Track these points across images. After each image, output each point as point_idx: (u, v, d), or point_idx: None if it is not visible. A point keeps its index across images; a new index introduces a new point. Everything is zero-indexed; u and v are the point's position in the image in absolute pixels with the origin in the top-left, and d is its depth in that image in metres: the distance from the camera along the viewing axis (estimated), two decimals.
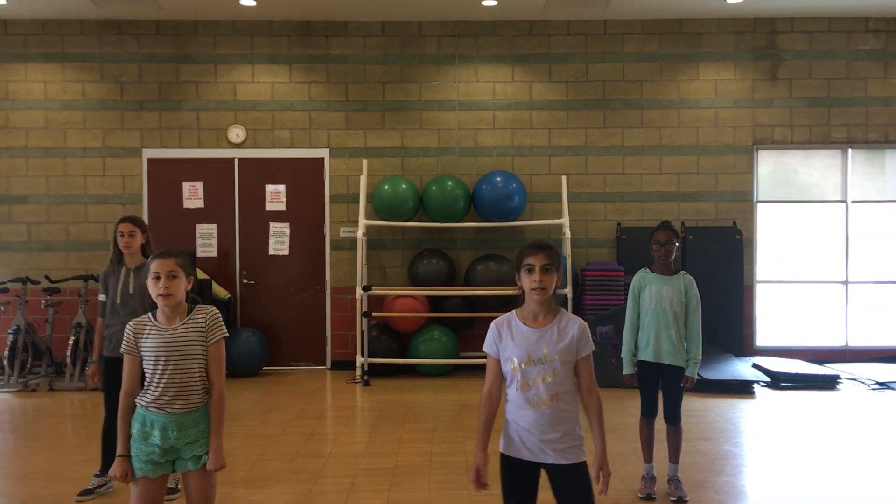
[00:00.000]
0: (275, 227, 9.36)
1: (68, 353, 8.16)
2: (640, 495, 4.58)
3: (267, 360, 9.01)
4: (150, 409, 2.91)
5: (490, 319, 9.53)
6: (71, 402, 7.67)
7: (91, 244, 9.24)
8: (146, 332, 2.95)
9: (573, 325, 2.77)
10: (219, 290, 9.02)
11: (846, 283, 9.62)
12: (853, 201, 9.58)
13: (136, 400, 2.94)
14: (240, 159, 9.34)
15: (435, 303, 8.90)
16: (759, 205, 9.52)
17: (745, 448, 5.82)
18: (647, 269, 4.72)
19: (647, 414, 4.74)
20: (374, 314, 8.59)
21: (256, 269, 9.36)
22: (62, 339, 8.38)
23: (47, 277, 8.56)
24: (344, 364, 9.10)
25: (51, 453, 5.72)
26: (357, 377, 8.48)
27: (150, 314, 3.01)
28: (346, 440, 6.22)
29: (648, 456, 4.72)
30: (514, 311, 2.86)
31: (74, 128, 9.28)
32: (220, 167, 9.33)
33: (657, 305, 4.57)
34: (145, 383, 2.93)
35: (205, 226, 9.32)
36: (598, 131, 9.41)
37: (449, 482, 4.95)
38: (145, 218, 9.23)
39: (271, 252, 9.36)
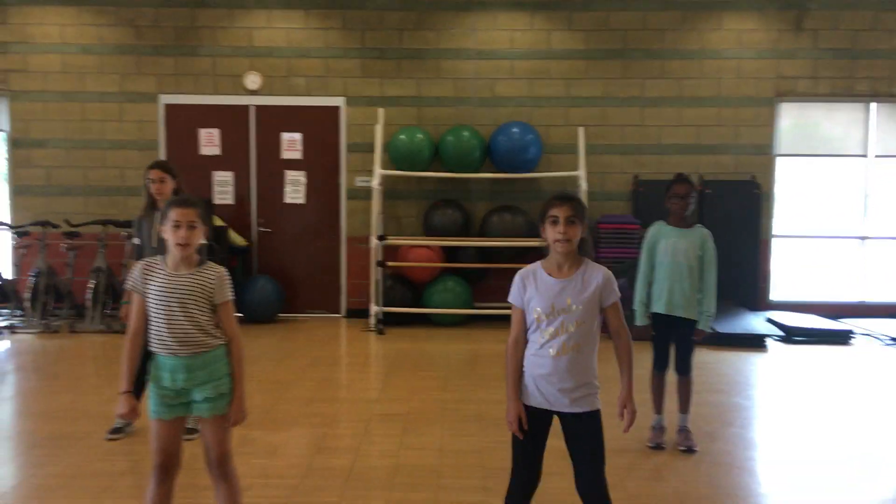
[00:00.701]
0: (291, 175, 9.38)
1: (88, 296, 8.28)
2: (648, 445, 4.63)
3: (282, 308, 9.10)
4: (159, 352, 2.94)
5: (504, 270, 9.56)
6: (92, 343, 7.82)
7: (109, 189, 9.31)
8: (154, 274, 2.95)
9: (597, 275, 2.78)
10: (235, 238, 9.09)
11: (864, 238, 9.56)
12: (875, 156, 9.46)
13: (149, 344, 2.96)
14: (256, 106, 9.32)
15: (449, 253, 8.93)
16: (778, 159, 9.42)
17: (755, 401, 5.87)
18: (663, 222, 4.67)
19: (659, 367, 4.74)
20: (388, 264, 8.64)
21: (272, 217, 9.41)
22: (82, 283, 8.50)
23: (67, 222, 8.65)
24: (359, 312, 9.19)
25: (74, 392, 5.86)
26: (371, 325, 8.57)
27: (160, 256, 3.02)
28: (360, 386, 6.32)
29: (659, 407, 4.75)
30: (539, 262, 2.86)
31: (91, 72, 9.26)
32: (236, 114, 9.32)
33: (672, 258, 4.54)
34: (152, 327, 2.94)
35: (221, 173, 9.35)
36: (617, 82, 9.29)
37: (460, 429, 5.04)
38: None
39: (287, 200, 9.38)
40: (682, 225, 4.60)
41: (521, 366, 2.87)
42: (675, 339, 4.67)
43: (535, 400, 2.83)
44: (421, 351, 7.63)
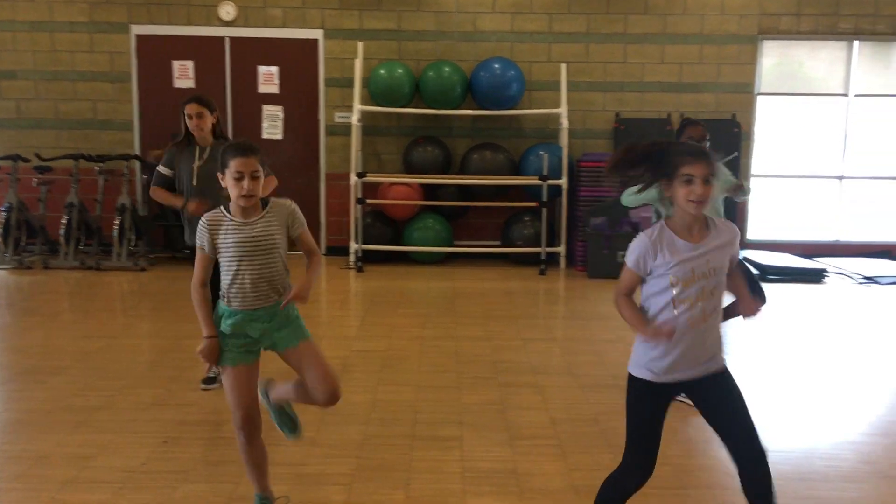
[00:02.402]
0: (268, 109, 9.21)
1: (62, 231, 8.17)
2: None
3: None
4: (239, 307, 2.81)
5: (485, 209, 9.53)
6: (66, 279, 7.75)
7: (81, 122, 9.11)
8: (223, 228, 2.79)
9: (726, 234, 2.52)
10: None
11: (841, 178, 9.60)
12: (856, 95, 9.43)
13: (221, 298, 2.86)
14: (231, 38, 9.08)
15: (430, 191, 8.87)
16: (759, 97, 9.37)
17: (728, 338, 5.94)
18: None
19: None
20: (368, 201, 8.58)
21: None
22: (55, 219, 8.37)
23: (38, 155, 8.46)
24: (338, 250, 9.14)
25: (48, 328, 5.82)
26: (351, 263, 8.54)
27: (222, 208, 2.83)
28: (340, 323, 6.33)
29: None
30: (663, 223, 2.53)
31: (59, 1, 8.96)
32: (210, 46, 9.08)
33: None
34: (227, 282, 2.81)
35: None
36: (600, 17, 9.13)
37: (438, 365, 5.07)
38: (134, 97, 9.08)
39: (265, 136, 9.23)
40: None
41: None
42: None
43: (672, 376, 2.53)
44: (400, 288, 7.64)
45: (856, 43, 9.28)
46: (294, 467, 3.47)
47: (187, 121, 4.39)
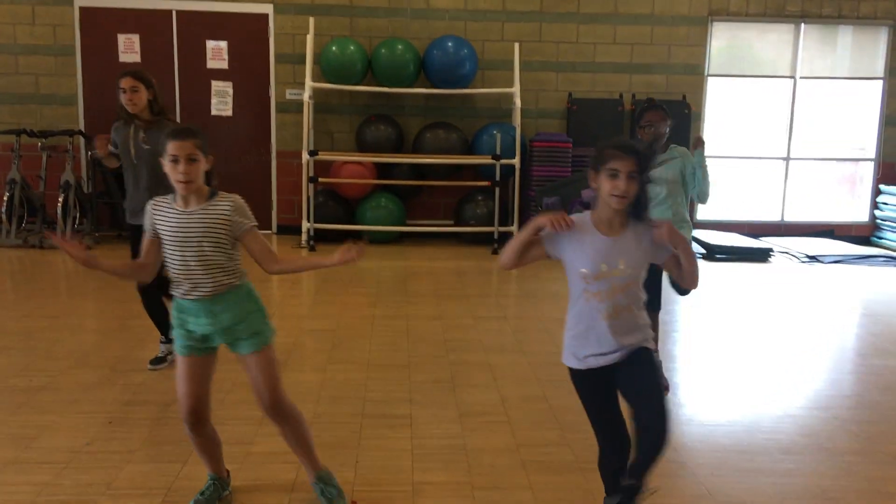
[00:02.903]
0: (217, 85, 9.04)
1: (3, 209, 7.94)
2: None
3: None
4: (179, 296, 2.74)
5: (437, 188, 9.54)
6: (8, 258, 7.54)
7: (23, 97, 8.83)
8: (164, 213, 2.72)
9: (647, 234, 2.50)
10: None
11: (787, 159, 9.80)
12: (801, 77, 9.62)
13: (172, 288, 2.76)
14: (178, 11, 8.87)
15: (383, 170, 8.82)
16: (710, 79, 9.49)
17: (676, 315, 6.05)
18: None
19: (656, 307, 4.18)
20: (320, 180, 8.50)
21: None
22: None
23: None
24: (290, 229, 9.06)
25: None
26: (303, 242, 8.47)
27: (172, 195, 2.74)
28: (290, 303, 6.29)
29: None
30: (588, 214, 2.55)
31: None
32: (157, 19, 8.86)
33: (656, 188, 4.14)
34: (169, 270, 2.73)
35: None
36: None
37: (390, 343, 5.07)
38: (78, 71, 8.83)
39: (214, 112, 9.07)
40: (658, 152, 4.17)
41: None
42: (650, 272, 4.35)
43: (595, 362, 2.55)
44: (352, 268, 7.59)
45: (802, 25, 9.45)
46: (243, 446, 3.45)
47: (121, 95, 4.27)
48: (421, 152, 8.79)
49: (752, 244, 8.69)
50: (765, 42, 9.60)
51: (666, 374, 4.62)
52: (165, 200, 2.75)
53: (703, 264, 8.12)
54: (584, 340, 2.54)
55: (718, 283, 7.35)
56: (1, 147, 8.37)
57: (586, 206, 4.19)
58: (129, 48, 8.87)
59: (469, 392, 4.22)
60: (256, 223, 2.82)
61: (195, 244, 2.68)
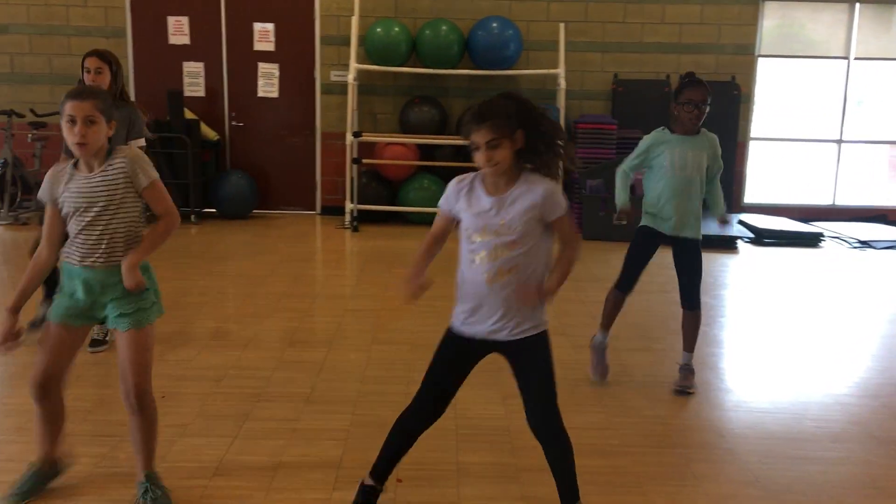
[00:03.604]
0: (263, 67, 9.12)
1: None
2: (592, 377, 4.14)
3: (256, 204, 9.02)
4: (72, 263, 2.62)
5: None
6: None
7: (76, 78, 8.90)
8: (65, 180, 2.60)
9: (536, 190, 2.44)
10: (207, 131, 8.91)
11: (839, 142, 9.58)
12: (856, 58, 9.37)
13: (62, 253, 2.65)
14: None
15: (425, 151, 8.83)
16: (760, 59, 9.30)
17: (724, 300, 5.98)
18: (666, 130, 3.91)
19: (626, 287, 4.06)
20: (364, 161, 8.54)
21: (245, 111, 9.20)
22: None
23: (32, 111, 8.40)
24: (333, 210, 9.13)
25: None
26: (346, 223, 8.54)
27: (72, 162, 2.63)
28: (334, 282, 6.35)
29: (608, 324, 4.14)
30: (479, 173, 2.52)
31: None
32: (205, 2, 8.96)
33: (681, 173, 3.86)
34: (69, 236, 2.63)
35: (191, 64, 9.06)
36: None
37: (433, 324, 5.05)
38: (129, 53, 8.97)
39: (260, 94, 9.16)
40: (691, 132, 3.90)
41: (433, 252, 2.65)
42: (683, 266, 4.01)
43: (473, 331, 2.54)
44: (395, 248, 7.65)
45: (857, 5, 9.19)
46: (289, 423, 3.51)
47: (84, 75, 4.14)
48: None
49: (801, 228, 8.53)
50: (818, 22, 9.36)
51: (712, 359, 4.58)
52: (64, 167, 2.63)
53: (750, 249, 8.00)
54: (464, 303, 2.55)
55: (767, 268, 7.23)
56: (55, 127, 8.54)
57: (631, 189, 4.15)
58: (178, 30, 8.99)
59: (513, 374, 4.22)
60: (155, 176, 2.67)
61: (98, 208, 2.57)
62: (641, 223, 4.01)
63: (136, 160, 2.62)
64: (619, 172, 4.08)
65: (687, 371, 4.06)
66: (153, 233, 2.68)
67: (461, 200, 2.52)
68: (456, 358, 2.60)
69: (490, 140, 2.38)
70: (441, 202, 2.60)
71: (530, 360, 2.57)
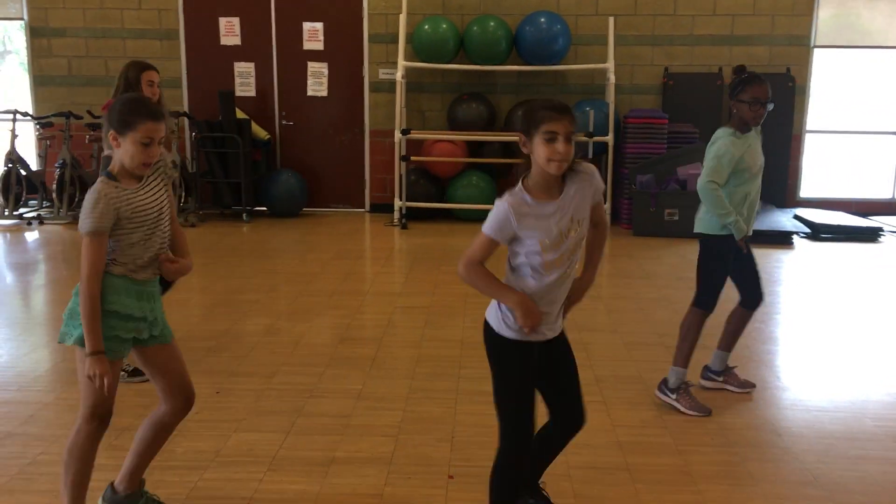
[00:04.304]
0: (313, 66, 9.21)
1: None
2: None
3: (306, 202, 9.12)
4: (135, 279, 2.48)
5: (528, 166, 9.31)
6: None
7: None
8: (123, 199, 2.40)
9: (584, 177, 2.39)
10: (258, 131, 9.03)
11: None
12: None
13: (117, 270, 2.44)
14: None
15: (474, 148, 8.82)
16: (815, 50, 9.07)
17: (779, 297, 5.86)
18: (732, 130, 3.58)
19: (712, 307, 3.77)
20: (412, 158, 8.57)
21: (295, 110, 9.30)
22: None
23: (90, 112, 8.61)
24: (382, 207, 9.18)
25: None
26: (395, 220, 8.58)
27: (111, 180, 2.41)
28: (384, 280, 6.39)
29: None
30: (520, 189, 2.35)
31: None
32: (256, 2, 9.08)
33: (759, 172, 3.66)
34: (129, 254, 2.45)
35: (242, 64, 9.20)
36: None
37: (481, 322, 5.08)
38: (182, 54, 9.15)
39: (310, 93, 9.25)
40: (749, 130, 3.65)
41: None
42: (748, 265, 3.85)
43: (540, 334, 2.44)
44: (444, 245, 7.66)
45: None
46: (341, 419, 3.54)
47: (146, 88, 4.27)
48: (512, 130, 8.73)
49: (860, 223, 8.30)
50: (875, 11, 9.10)
51: (768, 357, 4.50)
52: (113, 186, 2.42)
53: (806, 244, 7.81)
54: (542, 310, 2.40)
55: (824, 263, 7.06)
56: None
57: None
58: (229, 31, 9.13)
59: None
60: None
61: (157, 219, 2.51)
62: (722, 232, 3.62)
63: (166, 166, 2.60)
64: (716, 194, 3.53)
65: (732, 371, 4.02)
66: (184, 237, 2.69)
67: (522, 220, 2.31)
68: (532, 364, 2.47)
69: (572, 132, 2.28)
70: (495, 234, 2.35)
71: (568, 351, 2.56)
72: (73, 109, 8.71)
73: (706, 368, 4.02)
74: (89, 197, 2.38)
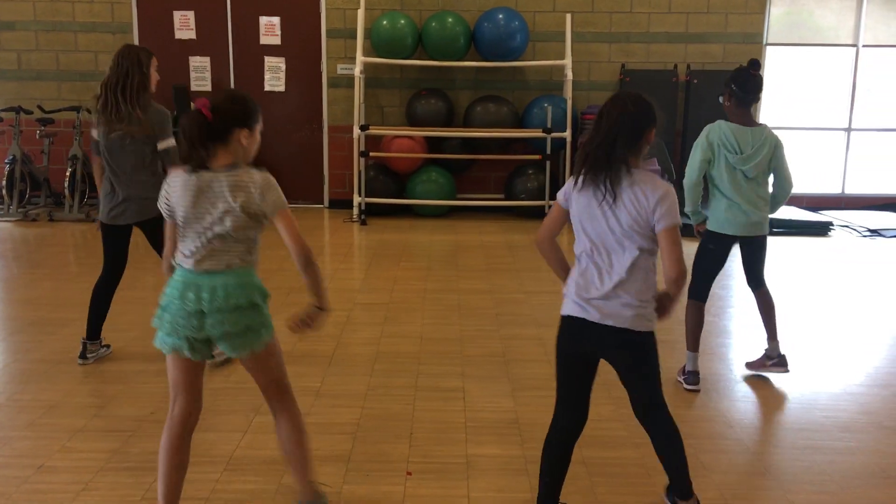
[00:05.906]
0: (270, 61, 9.12)
1: (66, 184, 8.18)
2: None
3: None
4: (189, 268, 2.60)
5: (488, 162, 9.47)
6: (72, 232, 7.78)
7: (83, 74, 9.04)
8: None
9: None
10: None
11: (848, 130, 9.53)
12: (864, 46, 9.31)
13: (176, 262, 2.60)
14: None
15: (433, 143, 8.82)
16: (768, 48, 9.25)
17: (732, 290, 5.97)
18: (726, 122, 3.82)
19: (704, 297, 4.02)
20: (371, 154, 8.54)
21: None
22: (59, 171, 8.38)
23: (40, 107, 8.44)
24: (341, 203, 9.14)
25: (55, 280, 5.86)
26: (354, 216, 8.55)
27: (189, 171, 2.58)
28: (343, 276, 6.37)
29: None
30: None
31: None
32: None
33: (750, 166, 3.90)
34: (182, 240, 2.59)
35: (198, 58, 9.08)
36: None
37: (441, 317, 5.11)
38: None
39: (267, 88, 9.16)
40: (752, 122, 3.92)
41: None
42: (751, 257, 4.22)
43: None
44: (404, 242, 7.66)
45: None
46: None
47: (155, 74, 4.27)
48: (471, 126, 8.76)
49: (810, 217, 8.49)
50: (826, 9, 9.30)
51: (721, 350, 4.58)
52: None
53: None
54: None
55: (776, 257, 7.19)
56: (63, 123, 8.59)
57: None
58: (184, 25, 9.00)
59: (521, 366, 4.24)
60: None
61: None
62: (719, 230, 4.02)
63: None
64: (692, 195, 3.97)
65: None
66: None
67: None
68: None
69: None
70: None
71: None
72: (23, 104, 8.52)
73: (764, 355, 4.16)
74: (272, 181, 2.68)
